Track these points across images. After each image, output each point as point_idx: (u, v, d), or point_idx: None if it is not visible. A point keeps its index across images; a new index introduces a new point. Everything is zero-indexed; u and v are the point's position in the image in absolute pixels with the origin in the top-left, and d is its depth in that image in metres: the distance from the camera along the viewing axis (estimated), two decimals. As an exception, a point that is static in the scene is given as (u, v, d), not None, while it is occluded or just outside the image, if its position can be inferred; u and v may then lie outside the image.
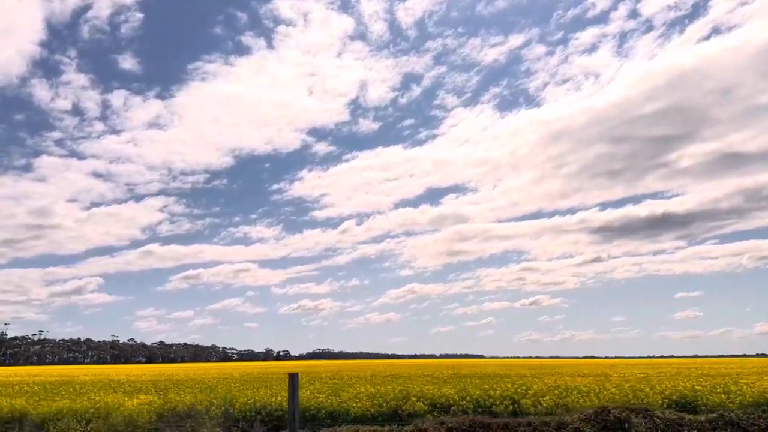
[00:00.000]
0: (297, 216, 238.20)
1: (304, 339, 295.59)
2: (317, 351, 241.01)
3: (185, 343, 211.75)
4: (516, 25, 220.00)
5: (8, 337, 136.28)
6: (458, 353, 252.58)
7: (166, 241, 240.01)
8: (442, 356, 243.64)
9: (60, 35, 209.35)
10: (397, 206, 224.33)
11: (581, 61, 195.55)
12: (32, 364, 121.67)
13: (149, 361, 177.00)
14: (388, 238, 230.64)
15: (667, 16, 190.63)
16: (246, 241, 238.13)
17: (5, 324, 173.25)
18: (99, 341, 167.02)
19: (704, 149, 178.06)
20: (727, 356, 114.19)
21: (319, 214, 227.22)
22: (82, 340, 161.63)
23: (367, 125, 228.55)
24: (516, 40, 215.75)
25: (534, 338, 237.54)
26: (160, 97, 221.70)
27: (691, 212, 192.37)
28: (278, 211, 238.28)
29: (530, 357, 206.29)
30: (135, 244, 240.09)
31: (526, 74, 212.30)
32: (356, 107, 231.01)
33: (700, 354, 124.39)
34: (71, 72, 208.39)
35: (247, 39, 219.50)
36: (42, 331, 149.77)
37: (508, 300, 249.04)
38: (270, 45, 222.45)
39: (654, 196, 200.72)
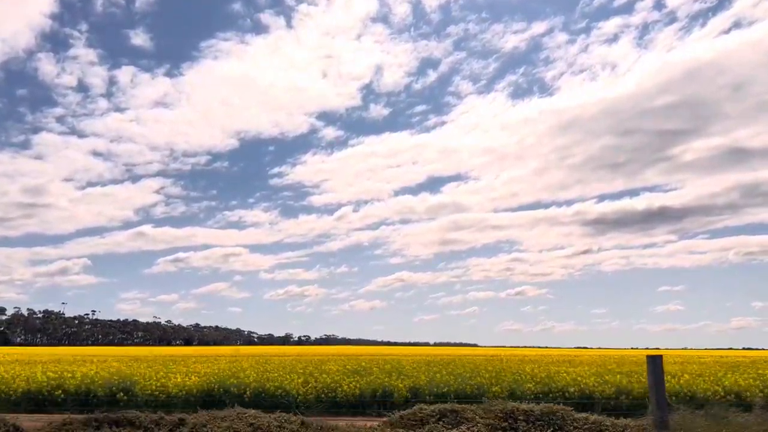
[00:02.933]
0: (295, 201, 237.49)
1: (286, 325, 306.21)
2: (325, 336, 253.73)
3: (217, 326, 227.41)
4: (541, 12, 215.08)
5: (65, 315, 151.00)
6: (439, 341, 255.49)
7: (160, 223, 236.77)
8: (422, 344, 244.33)
9: (73, 8, 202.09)
10: (396, 194, 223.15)
11: (601, 51, 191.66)
12: (109, 344, 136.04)
13: (187, 343, 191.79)
14: (384, 226, 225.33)
15: (691, 9, 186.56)
16: (240, 225, 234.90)
17: (62, 303, 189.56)
18: (145, 323, 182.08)
19: (709, 144, 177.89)
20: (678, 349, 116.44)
21: (317, 200, 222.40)
22: (128, 321, 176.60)
23: (378, 111, 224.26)
24: (539, 27, 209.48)
25: (514, 328, 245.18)
26: (169, 75, 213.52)
27: (687, 207, 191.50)
28: (276, 195, 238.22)
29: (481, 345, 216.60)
30: (127, 225, 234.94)
31: (545, 63, 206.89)
32: (369, 92, 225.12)
33: (673, 347, 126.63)
34: (80, 46, 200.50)
35: (266, 17, 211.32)
36: (95, 311, 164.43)
37: (493, 290, 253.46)
38: (289, 24, 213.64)
39: (652, 189, 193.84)
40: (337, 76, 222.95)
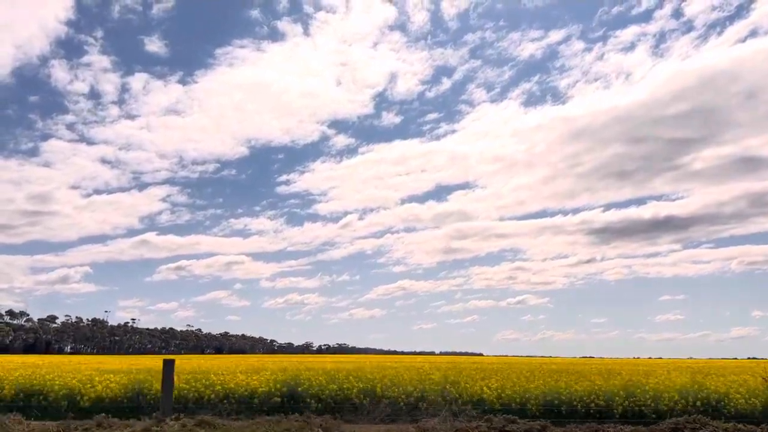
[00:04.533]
0: (301, 209, 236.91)
1: (285, 333, 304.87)
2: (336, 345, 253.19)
3: (243, 335, 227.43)
4: (559, 20, 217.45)
5: (109, 324, 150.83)
6: (435, 350, 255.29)
7: (164, 231, 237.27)
8: (427, 353, 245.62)
9: (89, 13, 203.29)
10: (403, 202, 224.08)
11: (616, 60, 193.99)
12: (148, 352, 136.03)
13: (218, 351, 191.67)
14: (388, 234, 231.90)
15: (709, 17, 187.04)
16: (244, 233, 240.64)
17: (105, 311, 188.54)
18: (181, 331, 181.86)
19: (719, 152, 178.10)
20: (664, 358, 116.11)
21: (323, 208, 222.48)
22: (166, 329, 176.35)
23: (390, 118, 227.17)
24: (556, 35, 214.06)
25: (513, 337, 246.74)
26: (183, 82, 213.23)
27: (694, 216, 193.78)
28: (283, 203, 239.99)
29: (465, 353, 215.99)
30: (131, 233, 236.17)
31: (560, 71, 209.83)
32: (382, 100, 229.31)
33: (672, 356, 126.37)
34: (94, 53, 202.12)
35: (284, 25, 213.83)
36: (134, 319, 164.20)
37: (494, 299, 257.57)
38: (306, 32, 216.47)
39: (660, 198, 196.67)
40: (352, 83, 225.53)
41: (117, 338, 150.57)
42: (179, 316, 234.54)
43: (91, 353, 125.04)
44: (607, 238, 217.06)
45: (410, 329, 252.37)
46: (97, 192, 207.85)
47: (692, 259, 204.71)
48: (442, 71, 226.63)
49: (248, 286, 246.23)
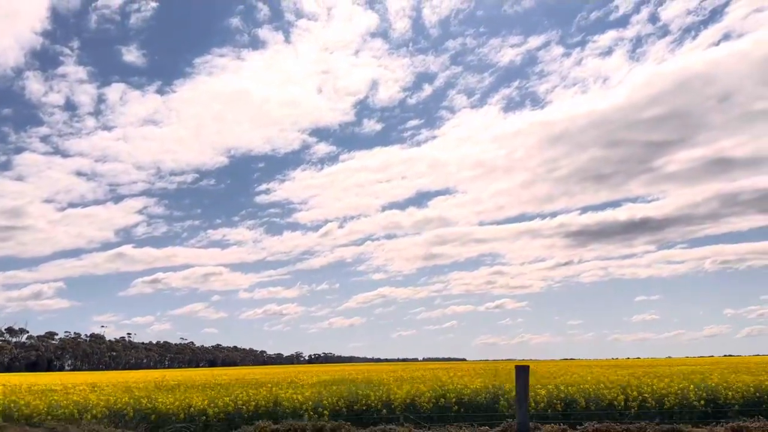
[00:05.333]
0: (280, 218, 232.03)
1: (263, 344, 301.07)
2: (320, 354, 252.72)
3: (235, 347, 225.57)
4: (539, 25, 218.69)
5: (108, 339, 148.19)
6: (412, 357, 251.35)
7: (140, 243, 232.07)
8: (398, 360, 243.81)
9: (65, 24, 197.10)
10: (384, 209, 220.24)
11: (594, 64, 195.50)
12: (153, 366, 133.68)
13: (212, 364, 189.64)
14: (369, 241, 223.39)
15: (684, 21, 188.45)
16: (223, 244, 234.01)
17: (102, 327, 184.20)
18: (175, 344, 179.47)
19: (693, 155, 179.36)
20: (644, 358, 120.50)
21: (303, 216, 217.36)
22: (161, 342, 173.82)
23: (371, 126, 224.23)
24: (535, 41, 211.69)
25: (491, 341, 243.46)
26: (160, 91, 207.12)
27: (669, 217, 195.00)
28: (262, 212, 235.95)
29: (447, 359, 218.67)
30: (106, 246, 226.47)
31: (539, 76, 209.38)
32: (363, 107, 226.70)
33: (645, 356, 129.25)
34: (70, 64, 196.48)
35: (265, 33, 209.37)
36: (130, 334, 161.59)
37: (473, 304, 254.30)
38: (287, 40, 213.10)
39: (635, 200, 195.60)
40: (333, 91, 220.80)
41: (115, 354, 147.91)
42: (155, 330, 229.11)
43: (92, 370, 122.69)
44: (584, 240, 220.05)
45: (389, 337, 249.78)
46: (72, 205, 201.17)
47: (667, 259, 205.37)
48: (424, 78, 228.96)
49: (226, 297, 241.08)
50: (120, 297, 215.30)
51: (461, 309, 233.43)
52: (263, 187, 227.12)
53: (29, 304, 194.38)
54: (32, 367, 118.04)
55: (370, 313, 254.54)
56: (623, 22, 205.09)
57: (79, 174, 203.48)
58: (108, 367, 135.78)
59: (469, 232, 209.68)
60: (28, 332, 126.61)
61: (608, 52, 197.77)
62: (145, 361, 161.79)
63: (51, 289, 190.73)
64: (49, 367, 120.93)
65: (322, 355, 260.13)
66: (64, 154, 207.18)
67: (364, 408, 11.47)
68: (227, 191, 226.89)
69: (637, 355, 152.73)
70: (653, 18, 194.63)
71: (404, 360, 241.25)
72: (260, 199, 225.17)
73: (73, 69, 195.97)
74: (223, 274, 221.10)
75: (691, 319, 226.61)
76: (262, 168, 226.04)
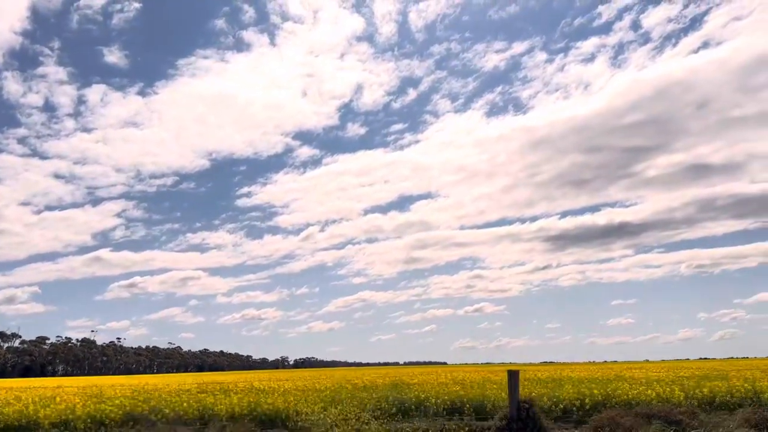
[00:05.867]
0: (261, 221, 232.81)
1: (242, 349, 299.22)
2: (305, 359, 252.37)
3: (222, 351, 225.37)
4: (523, 31, 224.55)
5: (99, 343, 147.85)
6: (391, 361, 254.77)
7: (118, 247, 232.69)
8: (376, 364, 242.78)
9: (46, 24, 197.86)
10: (366, 212, 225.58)
11: (576, 70, 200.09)
12: (143, 371, 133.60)
13: (200, 369, 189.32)
14: (350, 245, 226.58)
15: (665, 29, 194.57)
16: (202, 247, 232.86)
17: (92, 331, 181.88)
18: (164, 348, 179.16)
19: (671, 160, 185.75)
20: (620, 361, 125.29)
21: (284, 220, 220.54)
22: (150, 347, 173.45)
23: (355, 130, 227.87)
24: (519, 47, 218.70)
25: (469, 345, 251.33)
26: (142, 93, 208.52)
27: (646, 221, 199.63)
28: (243, 216, 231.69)
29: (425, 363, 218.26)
30: (83, 250, 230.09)
31: (522, 82, 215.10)
32: (347, 111, 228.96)
33: (623, 359, 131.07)
34: (50, 64, 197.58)
35: (250, 35, 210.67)
36: (119, 338, 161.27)
37: (452, 307, 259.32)
38: (272, 42, 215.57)
39: (614, 205, 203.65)
40: (317, 95, 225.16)
41: (106, 358, 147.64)
42: (131, 335, 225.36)
43: (84, 375, 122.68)
44: (563, 244, 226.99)
45: (368, 341, 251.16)
46: (49, 208, 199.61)
47: (644, 263, 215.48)
48: (408, 82, 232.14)
49: (203, 302, 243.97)
50: (95, 301, 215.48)
51: (441, 313, 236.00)
52: (245, 190, 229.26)
53: (2, 309, 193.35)
54: (26, 372, 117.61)
55: (350, 317, 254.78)
56: (606, 29, 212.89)
57: (57, 176, 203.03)
58: (99, 372, 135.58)
59: (449, 236, 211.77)
60: (20, 337, 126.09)
61: (591, 58, 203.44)
62: (134, 366, 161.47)
63: (25, 293, 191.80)
64: (42, 372, 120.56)
65: (306, 359, 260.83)
66: (42, 156, 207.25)
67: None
68: (208, 194, 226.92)
69: (613, 359, 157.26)
70: (635, 25, 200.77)
71: (386, 364, 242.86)
72: (241, 202, 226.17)
73: (53, 69, 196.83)
74: (202, 279, 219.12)
75: (666, 322, 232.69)
76: (243, 171, 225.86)
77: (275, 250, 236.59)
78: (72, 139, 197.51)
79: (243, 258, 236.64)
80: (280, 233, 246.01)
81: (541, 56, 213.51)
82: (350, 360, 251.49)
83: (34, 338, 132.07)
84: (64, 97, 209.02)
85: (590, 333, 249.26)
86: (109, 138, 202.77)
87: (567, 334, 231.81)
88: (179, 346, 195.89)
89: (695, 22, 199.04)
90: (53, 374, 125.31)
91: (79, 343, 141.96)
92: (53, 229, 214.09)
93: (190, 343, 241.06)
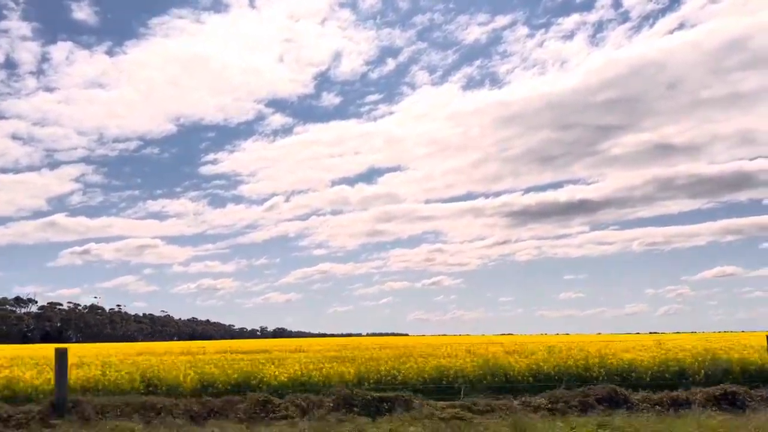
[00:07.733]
0: (225, 190, 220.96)
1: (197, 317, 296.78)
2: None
3: (208, 320, 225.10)
4: (507, 4, 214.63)
5: (103, 308, 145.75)
6: (346, 332, 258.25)
7: (74, 213, 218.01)
8: (331, 335, 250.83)
9: None
10: (334, 184, 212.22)
11: (555, 47, 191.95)
12: (145, 338, 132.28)
13: (191, 337, 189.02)
14: (314, 216, 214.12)
15: (644, 9, 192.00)
16: (161, 215, 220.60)
17: (95, 297, 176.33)
18: (158, 316, 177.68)
19: (638, 139, 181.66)
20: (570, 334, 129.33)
21: (249, 189, 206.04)
22: (147, 314, 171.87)
23: (330, 99, 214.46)
24: (503, 20, 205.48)
25: (423, 317, 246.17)
26: (110, 52, 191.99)
27: (606, 199, 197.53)
28: (207, 184, 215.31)
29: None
30: (37, 215, 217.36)
31: (501, 56, 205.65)
32: (324, 79, 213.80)
33: (570, 332, 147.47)
34: (14, 19, 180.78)
35: None
36: (120, 305, 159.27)
37: (410, 280, 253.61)
38: (252, 4, 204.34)
39: (576, 182, 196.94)
40: (294, 61, 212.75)
41: (112, 325, 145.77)
42: (83, 303, 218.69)
43: (100, 341, 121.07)
44: (524, 220, 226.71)
45: (325, 312, 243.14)
46: (3, 171, 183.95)
47: (598, 240, 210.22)
48: (388, 52, 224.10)
49: (158, 270, 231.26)
50: (47, 267, 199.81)
51: (398, 285, 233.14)
52: (210, 157, 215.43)
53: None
54: (46, 337, 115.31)
55: (308, 288, 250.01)
56: (588, 5, 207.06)
57: (15, 137, 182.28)
58: (110, 339, 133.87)
59: (414, 210, 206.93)
60: (36, 302, 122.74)
61: (570, 35, 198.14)
62: (136, 333, 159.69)
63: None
64: (60, 338, 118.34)
65: (278, 330, 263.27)
66: (0, 116, 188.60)
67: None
68: (171, 161, 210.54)
69: (564, 331, 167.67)
70: (616, 4, 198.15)
71: (348, 335, 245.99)
72: (206, 169, 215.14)
73: (16, 24, 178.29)
74: (159, 247, 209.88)
75: (614, 297, 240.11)
76: (212, 137, 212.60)
77: (238, 219, 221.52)
78: (33, 98, 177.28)
79: (203, 227, 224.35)
80: (243, 203, 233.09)
81: (523, 31, 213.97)
82: (306, 330, 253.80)
83: (45, 304, 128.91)
84: (27, 53, 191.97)
85: (541, 306, 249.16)
86: (72, 98, 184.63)
87: (519, 307, 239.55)
88: (170, 315, 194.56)
89: (674, 3, 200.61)
90: (68, 340, 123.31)
91: (86, 310, 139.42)
92: (7, 192, 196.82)
93: (141, 311, 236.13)
